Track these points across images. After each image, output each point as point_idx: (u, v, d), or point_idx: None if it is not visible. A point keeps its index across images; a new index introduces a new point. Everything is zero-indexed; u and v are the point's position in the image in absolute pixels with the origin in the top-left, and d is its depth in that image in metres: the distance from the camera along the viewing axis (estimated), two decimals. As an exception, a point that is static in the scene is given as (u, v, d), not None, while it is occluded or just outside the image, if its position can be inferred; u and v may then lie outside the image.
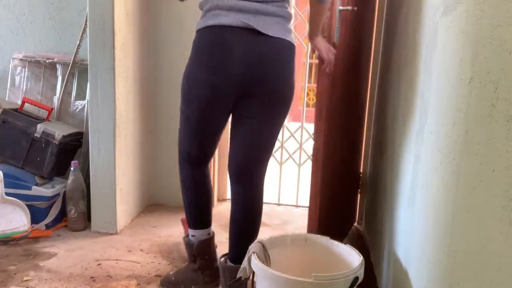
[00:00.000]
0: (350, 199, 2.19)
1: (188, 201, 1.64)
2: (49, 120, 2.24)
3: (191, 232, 1.66)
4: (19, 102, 2.27)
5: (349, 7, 1.55)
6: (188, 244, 1.67)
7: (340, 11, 1.50)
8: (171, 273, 1.71)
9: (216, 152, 2.57)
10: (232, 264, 1.55)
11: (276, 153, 2.71)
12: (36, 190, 2.10)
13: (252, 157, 1.53)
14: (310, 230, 1.54)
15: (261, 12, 1.40)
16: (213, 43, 1.41)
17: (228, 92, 1.44)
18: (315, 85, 6.34)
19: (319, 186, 1.51)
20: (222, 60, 1.40)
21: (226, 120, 1.55)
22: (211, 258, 1.68)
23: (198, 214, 1.65)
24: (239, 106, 1.48)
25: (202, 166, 1.61)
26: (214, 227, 2.19)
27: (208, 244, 1.66)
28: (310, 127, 2.72)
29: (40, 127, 2.13)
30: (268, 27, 1.40)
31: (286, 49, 1.45)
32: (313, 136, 2.69)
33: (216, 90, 1.44)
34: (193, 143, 1.56)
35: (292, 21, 1.59)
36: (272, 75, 1.43)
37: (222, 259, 1.58)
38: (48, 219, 2.12)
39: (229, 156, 1.56)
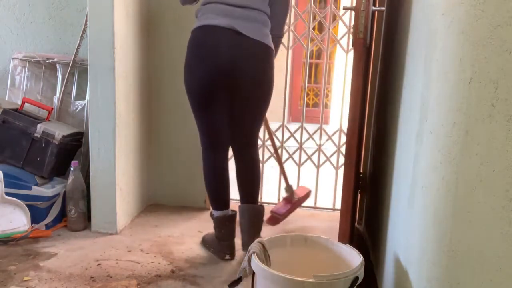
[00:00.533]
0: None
1: (207, 186, 1.91)
2: (49, 120, 2.24)
3: (212, 210, 1.95)
4: (19, 102, 2.27)
5: (382, 8, 1.52)
6: (211, 217, 1.96)
7: (373, 12, 1.47)
8: (207, 232, 2.07)
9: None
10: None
11: (276, 153, 2.71)
12: (36, 190, 2.10)
13: (248, 135, 1.91)
14: (342, 235, 1.54)
15: (244, 17, 1.70)
16: (203, 38, 1.70)
17: (216, 80, 1.72)
18: (315, 85, 6.32)
19: (352, 190, 1.51)
20: (210, 52, 1.69)
21: (224, 111, 1.82)
22: (227, 233, 1.91)
23: (215, 197, 1.92)
24: (231, 95, 1.79)
25: (220, 152, 1.89)
26: (213, 227, 2.17)
27: (224, 220, 1.91)
28: (310, 127, 2.74)
29: (40, 127, 2.13)
30: (248, 30, 1.70)
31: (262, 49, 1.75)
32: (313, 137, 2.70)
33: (206, 79, 1.72)
34: (204, 131, 1.86)
35: (270, 27, 1.82)
36: (251, 66, 1.74)
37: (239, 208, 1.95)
38: (48, 219, 2.12)
39: (231, 134, 1.89)
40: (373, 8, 1.46)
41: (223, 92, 1.77)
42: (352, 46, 1.48)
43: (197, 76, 1.73)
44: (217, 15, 1.69)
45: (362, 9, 1.38)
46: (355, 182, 1.65)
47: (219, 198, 1.91)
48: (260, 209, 1.94)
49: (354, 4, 1.48)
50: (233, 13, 1.69)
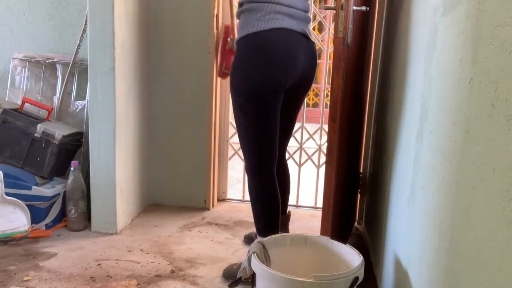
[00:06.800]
0: (351, 199, 2.19)
1: (266, 212, 1.71)
2: (49, 120, 2.24)
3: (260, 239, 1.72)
4: (19, 102, 2.27)
5: (363, 8, 1.52)
6: None
7: (354, 11, 1.48)
8: (235, 267, 1.74)
9: (216, 152, 2.57)
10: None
11: (276, 153, 2.70)
12: (36, 190, 2.10)
13: (287, 143, 2.00)
14: (324, 232, 1.54)
15: (305, 19, 1.66)
16: (284, 42, 1.59)
17: (287, 87, 1.64)
18: (315, 85, 6.32)
19: (333, 188, 1.52)
20: (293, 59, 1.61)
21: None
22: None
23: (275, 223, 1.72)
24: (286, 101, 1.69)
25: (274, 172, 1.71)
26: (213, 227, 2.18)
27: None
28: (310, 127, 2.73)
29: (40, 127, 2.13)
30: (309, 32, 1.68)
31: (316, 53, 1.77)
32: (313, 137, 2.70)
33: (283, 86, 1.63)
34: (270, 146, 1.67)
35: None
36: (313, 72, 1.75)
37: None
38: (48, 219, 2.12)
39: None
40: (354, 7, 1.47)
41: (283, 98, 1.67)
42: (333, 45, 1.49)
43: (273, 80, 1.59)
44: (287, 17, 1.59)
45: (341, 8, 1.40)
46: (341, 180, 1.65)
47: (278, 221, 1.74)
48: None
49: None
50: (299, 16, 1.63)
